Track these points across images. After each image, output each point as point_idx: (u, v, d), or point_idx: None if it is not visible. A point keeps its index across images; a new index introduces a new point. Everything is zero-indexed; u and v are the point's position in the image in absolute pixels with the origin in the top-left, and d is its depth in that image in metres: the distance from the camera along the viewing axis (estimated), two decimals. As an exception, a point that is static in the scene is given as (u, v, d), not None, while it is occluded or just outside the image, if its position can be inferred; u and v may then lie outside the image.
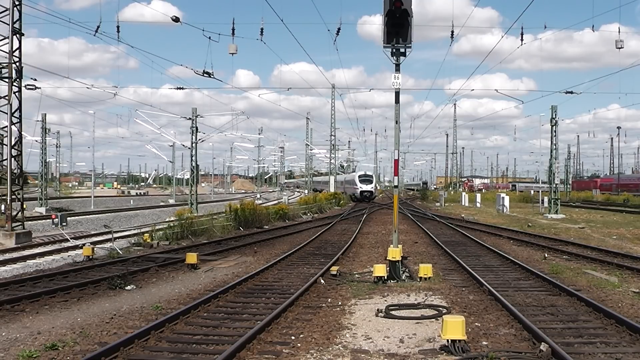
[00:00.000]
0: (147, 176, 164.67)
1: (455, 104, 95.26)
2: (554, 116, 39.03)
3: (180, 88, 33.62)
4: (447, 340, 7.86)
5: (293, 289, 12.37)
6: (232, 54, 23.73)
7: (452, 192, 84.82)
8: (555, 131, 39.49)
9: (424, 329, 9.24)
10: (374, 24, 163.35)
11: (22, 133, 23.19)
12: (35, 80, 26.05)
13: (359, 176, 67.92)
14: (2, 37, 21.84)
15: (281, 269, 15.64)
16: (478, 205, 56.16)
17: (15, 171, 22.30)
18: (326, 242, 22.35)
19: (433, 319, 9.78)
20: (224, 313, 10.40)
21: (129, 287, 12.95)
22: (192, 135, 39.22)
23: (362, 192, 65.86)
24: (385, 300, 11.44)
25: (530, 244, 21.85)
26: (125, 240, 22.65)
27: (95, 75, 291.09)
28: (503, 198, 47.31)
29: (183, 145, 46.17)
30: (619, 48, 25.73)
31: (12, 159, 22.08)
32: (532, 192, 69.75)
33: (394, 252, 13.86)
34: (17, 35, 21.75)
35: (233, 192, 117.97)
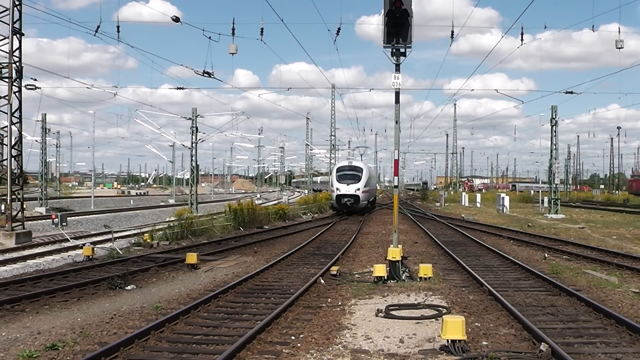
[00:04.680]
0: (147, 176, 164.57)
1: (455, 104, 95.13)
2: (554, 116, 39.09)
3: (179, 88, 33.62)
4: (447, 340, 7.86)
5: (293, 289, 12.37)
6: (232, 54, 23.73)
7: (452, 192, 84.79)
8: (555, 131, 39.54)
9: (424, 329, 9.24)
10: (372, 24, 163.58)
11: (22, 133, 23.19)
12: (35, 80, 26.02)
13: (338, 169, 39.74)
14: (2, 37, 21.84)
15: (281, 269, 15.64)
16: (478, 205, 56.18)
17: (15, 171, 22.30)
18: (326, 242, 22.35)
19: (433, 319, 9.78)
20: (224, 313, 10.41)
21: (129, 287, 12.95)
22: (192, 135, 39.24)
23: (338, 197, 37.50)
24: (385, 300, 11.44)
25: (530, 244, 21.86)
26: (125, 240, 22.64)
27: (94, 75, 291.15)
28: (503, 198, 47.33)
29: (183, 145, 46.21)
30: (619, 48, 25.73)
31: (12, 159, 22.08)
32: (532, 192, 69.77)
33: (394, 252, 13.86)
34: (17, 35, 21.76)
35: (233, 192, 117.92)
